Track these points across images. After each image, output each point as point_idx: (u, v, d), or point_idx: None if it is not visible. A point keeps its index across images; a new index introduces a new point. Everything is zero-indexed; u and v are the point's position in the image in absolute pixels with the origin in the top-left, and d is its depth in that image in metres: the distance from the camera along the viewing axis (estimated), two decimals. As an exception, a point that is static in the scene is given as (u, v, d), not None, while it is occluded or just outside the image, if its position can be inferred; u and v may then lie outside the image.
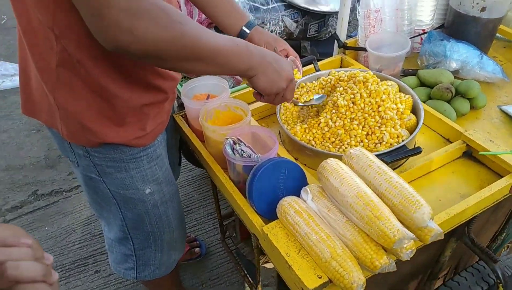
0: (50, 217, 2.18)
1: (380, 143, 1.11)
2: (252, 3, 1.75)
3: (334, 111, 1.16)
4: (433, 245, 1.21)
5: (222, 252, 1.98)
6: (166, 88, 1.06)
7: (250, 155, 1.03)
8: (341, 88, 1.22)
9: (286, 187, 0.99)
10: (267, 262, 1.57)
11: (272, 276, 1.59)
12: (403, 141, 1.11)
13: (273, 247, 0.89)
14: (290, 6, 1.80)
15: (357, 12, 1.51)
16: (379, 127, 1.13)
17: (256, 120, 1.32)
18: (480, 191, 1.00)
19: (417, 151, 1.06)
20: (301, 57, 1.46)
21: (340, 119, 1.14)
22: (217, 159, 1.16)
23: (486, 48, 1.51)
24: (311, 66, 1.43)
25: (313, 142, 1.16)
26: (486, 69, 1.38)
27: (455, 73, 1.42)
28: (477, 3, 1.39)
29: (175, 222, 1.31)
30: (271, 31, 1.77)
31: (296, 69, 1.25)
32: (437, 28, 1.60)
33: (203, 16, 1.57)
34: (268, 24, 1.75)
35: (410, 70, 1.49)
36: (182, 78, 1.65)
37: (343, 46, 1.55)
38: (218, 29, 1.59)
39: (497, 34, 1.56)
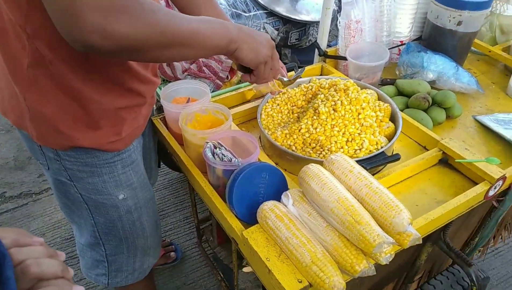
0: (19, 220, 2.10)
1: (360, 149, 1.13)
2: (234, 10, 1.76)
3: (315, 117, 1.17)
4: (410, 249, 1.23)
5: (198, 257, 1.95)
6: (144, 91, 1.04)
7: (231, 159, 1.02)
8: (322, 96, 1.23)
9: (266, 191, 0.99)
10: (244, 266, 1.57)
11: (249, 281, 1.58)
12: (382, 148, 1.12)
13: (253, 251, 0.88)
14: (272, 14, 1.82)
15: (338, 22, 1.54)
16: (359, 134, 1.14)
17: (237, 125, 1.31)
18: (456, 197, 1.03)
19: (395, 157, 1.08)
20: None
21: (321, 125, 1.15)
22: (196, 163, 1.14)
23: (462, 60, 1.56)
24: (292, 72, 1.44)
25: (293, 148, 1.16)
26: (462, 80, 1.43)
27: (432, 83, 1.46)
28: (454, 17, 1.44)
29: (149, 229, 1.27)
30: (253, 37, 1.78)
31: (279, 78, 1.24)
32: (414, 40, 1.64)
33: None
34: (250, 30, 1.76)
35: (388, 80, 1.52)
36: (161, 82, 1.63)
37: (324, 55, 1.57)
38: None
39: (472, 48, 1.61)
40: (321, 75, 1.57)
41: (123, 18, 0.72)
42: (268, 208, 0.90)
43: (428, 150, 1.22)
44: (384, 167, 1.16)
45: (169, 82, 1.51)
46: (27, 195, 2.24)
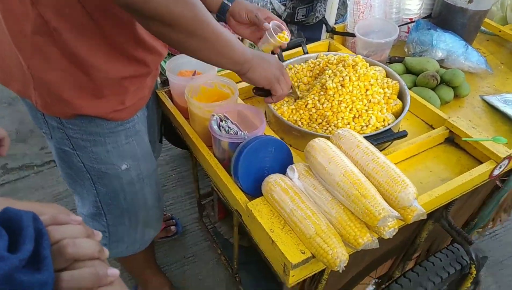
0: (20, 191, 2.11)
1: (367, 126, 1.12)
2: (240, -18, 1.72)
3: (322, 93, 1.16)
4: (411, 227, 1.24)
5: (198, 231, 1.97)
6: (149, 62, 1.02)
7: (237, 132, 1.01)
8: (330, 71, 1.21)
9: (272, 165, 0.99)
10: (244, 241, 1.58)
11: (248, 255, 1.60)
12: (389, 125, 1.12)
13: (257, 223, 0.88)
14: (279, -12, 1.78)
15: (347, -3, 1.51)
16: (366, 110, 1.13)
17: (242, 100, 1.30)
18: (461, 175, 1.03)
19: (402, 134, 1.08)
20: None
21: (328, 101, 1.14)
22: (201, 137, 1.13)
23: (471, 39, 1.54)
24: (300, 48, 1.42)
25: (299, 123, 1.16)
26: (471, 59, 1.41)
27: (441, 62, 1.44)
28: (465, -6, 1.41)
29: (151, 201, 1.28)
30: (259, 11, 1.75)
31: (284, 31, 1.21)
32: (424, 17, 1.61)
33: None
34: (257, 5, 1.72)
35: (397, 58, 1.50)
36: (167, 55, 1.61)
37: (332, 31, 1.55)
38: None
39: (482, 27, 1.59)
40: (328, 51, 1.55)
41: None
42: (274, 180, 0.90)
43: (434, 128, 1.21)
44: (390, 144, 1.15)
45: (174, 55, 1.49)
46: (28, 167, 2.24)
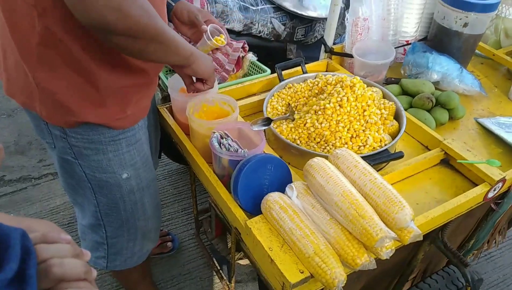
0: (17, 203, 2.10)
1: (364, 146, 1.14)
2: (242, 3, 1.76)
3: (320, 112, 1.18)
4: (407, 248, 1.25)
5: (194, 248, 1.96)
6: (149, 69, 1.06)
7: (237, 149, 1.03)
8: (329, 91, 1.24)
9: (271, 183, 1.00)
10: (241, 259, 1.58)
11: (245, 273, 1.60)
12: (385, 145, 1.14)
13: (256, 241, 0.89)
14: (279, 9, 1.82)
15: (345, 19, 1.55)
16: (363, 130, 1.15)
17: (242, 117, 1.32)
18: (456, 197, 1.04)
19: (399, 155, 1.10)
20: (287, 59, 1.48)
21: (326, 120, 1.16)
22: (202, 153, 1.15)
23: (466, 62, 1.57)
24: (299, 68, 1.45)
25: (298, 142, 1.17)
26: (466, 82, 1.44)
27: (436, 84, 1.47)
28: (460, 19, 1.45)
29: (150, 211, 1.29)
30: (259, 32, 1.78)
31: (222, 35, 1.30)
32: (420, 40, 1.65)
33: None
34: (257, 24, 1.76)
35: (393, 79, 1.53)
36: (167, 71, 1.63)
37: (330, 51, 1.58)
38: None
39: (476, 51, 1.63)
40: (326, 71, 1.58)
41: (137, 1, 0.80)
42: (273, 199, 0.91)
43: (430, 150, 1.23)
44: (386, 164, 1.17)
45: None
46: (26, 180, 2.24)
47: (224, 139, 1.05)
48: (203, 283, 1.83)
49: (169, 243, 1.91)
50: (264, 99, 1.30)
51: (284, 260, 0.84)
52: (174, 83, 1.25)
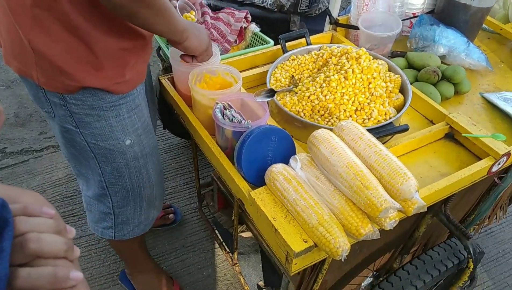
0: (19, 176, 2.11)
1: (369, 119, 1.13)
2: (244, -29, 1.71)
3: (325, 84, 1.16)
4: (410, 220, 1.26)
5: (197, 221, 1.98)
6: (143, 32, 1.04)
7: (241, 121, 1.02)
8: (334, 63, 1.22)
9: (274, 155, 0.99)
10: (243, 231, 1.59)
11: (248, 245, 1.61)
12: (390, 118, 1.13)
13: (260, 211, 0.89)
14: (283, -22, 1.77)
15: (351, -11, 1.51)
16: (368, 103, 1.14)
17: (245, 90, 1.30)
18: (460, 171, 1.04)
19: (404, 128, 1.09)
20: (290, 32, 1.45)
21: (330, 93, 1.15)
22: (204, 125, 1.14)
23: (473, 36, 1.54)
24: (303, 39, 1.43)
25: (302, 114, 1.16)
26: (472, 56, 1.42)
27: (442, 58, 1.45)
28: (469, -9, 1.41)
29: (155, 177, 1.30)
30: (262, 2, 1.74)
31: (192, 11, 1.29)
32: (427, 12, 1.62)
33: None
34: (260, -7, 1.72)
35: (398, 52, 1.51)
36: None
37: (335, 23, 1.55)
38: None
39: (483, 25, 1.59)
40: (331, 43, 1.55)
41: None
42: (277, 170, 0.91)
43: (435, 124, 1.22)
44: (391, 137, 1.16)
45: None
46: (27, 152, 2.23)
47: (227, 110, 1.04)
48: (206, 255, 1.86)
49: (171, 215, 1.93)
50: (267, 71, 1.28)
51: (288, 230, 0.84)
52: (176, 53, 1.23)
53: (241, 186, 0.97)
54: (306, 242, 0.83)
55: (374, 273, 1.51)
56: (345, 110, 1.13)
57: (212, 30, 1.52)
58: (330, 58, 1.26)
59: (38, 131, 2.36)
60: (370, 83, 1.16)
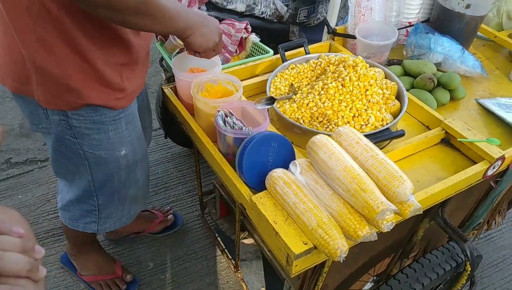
0: (24, 185, 2.14)
1: (366, 125, 1.16)
2: (244, -16, 1.76)
3: (323, 92, 1.20)
4: (407, 225, 1.28)
5: (199, 228, 2.00)
6: (137, 46, 1.07)
7: (242, 127, 1.05)
8: (331, 71, 1.25)
9: (275, 160, 1.02)
10: (245, 238, 1.62)
11: (250, 252, 1.63)
12: (387, 124, 1.16)
13: (261, 215, 0.92)
14: (282, -10, 1.82)
15: (348, 0, 1.55)
16: (365, 110, 1.17)
17: (246, 98, 1.34)
18: (456, 174, 1.07)
19: (400, 133, 1.12)
20: (289, 41, 1.49)
21: (329, 100, 1.18)
22: (206, 132, 1.17)
23: (468, 44, 1.58)
24: (302, 49, 1.46)
25: (301, 121, 1.19)
26: (467, 63, 1.45)
27: (438, 65, 1.48)
28: (462, 0, 1.45)
29: (142, 180, 1.34)
30: (262, 13, 1.79)
31: None
32: (423, 21, 1.66)
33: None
34: (260, 5, 1.77)
35: (395, 60, 1.54)
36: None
37: (333, 32, 1.59)
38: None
39: (478, 33, 1.63)
40: (329, 52, 1.59)
41: None
42: (277, 175, 0.93)
43: (431, 129, 1.25)
44: (389, 143, 1.19)
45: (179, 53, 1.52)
46: (32, 162, 2.26)
47: (228, 118, 1.07)
48: (208, 262, 1.87)
49: (170, 216, 1.95)
50: (267, 79, 1.32)
51: (288, 233, 0.87)
52: (179, 63, 1.26)
53: (243, 191, 0.99)
54: (306, 244, 0.85)
55: (375, 278, 1.52)
56: (343, 117, 1.16)
57: (213, 40, 1.56)
58: (328, 66, 1.29)
59: (42, 141, 2.39)
60: (367, 90, 1.19)
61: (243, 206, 1.02)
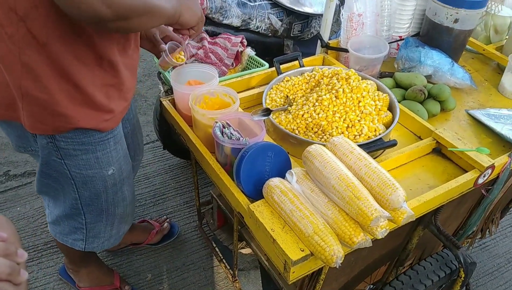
0: (22, 198, 2.15)
1: (359, 135, 1.19)
2: (240, -1, 1.81)
3: (317, 103, 1.23)
4: (402, 233, 1.31)
5: (197, 239, 2.02)
6: (124, 65, 1.07)
7: (239, 138, 1.08)
8: (325, 83, 1.29)
9: (271, 169, 1.05)
10: (243, 248, 1.63)
11: (247, 261, 1.65)
12: (380, 134, 1.19)
13: (259, 223, 0.94)
14: (276, 5, 1.87)
15: (340, 15, 1.60)
16: (359, 120, 1.21)
17: (242, 110, 1.37)
18: (448, 183, 1.10)
19: (392, 143, 1.15)
20: (283, 54, 1.53)
21: (323, 111, 1.22)
22: (204, 143, 1.20)
23: (457, 57, 1.63)
24: (296, 62, 1.51)
25: (296, 131, 1.23)
26: (456, 75, 1.50)
27: (428, 78, 1.53)
28: (451, 15, 1.50)
29: (129, 198, 1.35)
30: (257, 27, 1.83)
31: (181, 52, 1.29)
32: (413, 35, 1.71)
33: None
34: (255, 20, 1.82)
35: (387, 73, 1.59)
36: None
37: (326, 46, 1.63)
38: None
39: (467, 46, 1.68)
40: (323, 65, 1.63)
41: None
42: (274, 184, 0.96)
43: (422, 139, 1.29)
44: (382, 153, 1.22)
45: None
46: (30, 174, 2.28)
47: (226, 128, 1.10)
48: (206, 273, 1.89)
49: (165, 224, 1.96)
50: (263, 92, 1.35)
51: (286, 240, 0.89)
52: (177, 76, 1.30)
53: (240, 200, 1.02)
54: (303, 251, 0.88)
55: (371, 286, 1.54)
56: (337, 127, 1.20)
57: (210, 54, 1.60)
58: (322, 79, 1.34)
59: (40, 154, 2.41)
60: (360, 101, 1.23)
61: (241, 214, 1.04)
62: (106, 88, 1.04)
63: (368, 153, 1.10)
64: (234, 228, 1.34)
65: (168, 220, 2.00)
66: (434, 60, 1.52)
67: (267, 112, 1.19)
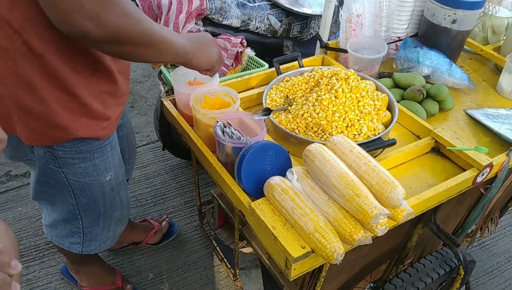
0: (23, 198, 2.16)
1: (359, 134, 1.21)
2: (239, 0, 1.83)
3: (317, 103, 1.25)
4: (402, 231, 1.32)
5: (198, 239, 2.03)
6: (117, 70, 1.07)
7: (240, 137, 1.09)
8: (324, 83, 1.31)
9: (272, 168, 1.06)
10: (244, 247, 1.65)
11: (248, 260, 1.66)
12: (379, 133, 1.21)
13: (260, 221, 0.95)
14: (275, 6, 1.89)
15: (340, 15, 1.62)
16: (358, 120, 1.22)
17: (243, 109, 1.38)
18: (446, 181, 1.11)
19: (391, 142, 1.17)
20: (283, 55, 1.54)
21: (323, 111, 1.23)
22: (205, 142, 1.21)
23: (455, 57, 1.65)
24: (296, 62, 1.52)
25: (296, 131, 1.24)
26: (455, 76, 1.52)
27: (426, 78, 1.54)
28: (449, 16, 1.52)
29: (126, 200, 1.37)
30: (257, 28, 1.85)
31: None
32: (411, 36, 1.73)
33: (193, 6, 1.62)
34: (254, 20, 1.83)
35: (385, 73, 1.60)
36: (171, 65, 1.69)
37: (325, 47, 1.65)
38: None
39: (465, 46, 1.70)
40: (322, 65, 1.64)
41: (117, 9, 0.79)
42: (275, 182, 0.97)
43: (421, 139, 1.30)
44: (381, 152, 1.24)
45: (176, 66, 1.57)
46: (31, 175, 2.29)
47: (227, 128, 1.11)
48: (207, 272, 1.90)
49: (164, 223, 1.97)
50: (263, 92, 1.37)
51: (287, 237, 0.91)
52: (178, 76, 1.31)
53: (242, 198, 1.03)
54: (303, 248, 0.89)
55: (371, 284, 1.55)
56: (336, 127, 1.21)
57: (211, 55, 1.61)
58: (321, 79, 1.35)
59: (40, 155, 2.42)
60: (359, 101, 1.24)
61: (242, 213, 1.05)
62: (102, 95, 1.04)
63: (367, 152, 1.12)
64: (235, 227, 1.35)
65: (167, 219, 2.01)
66: (432, 61, 1.54)
67: (268, 111, 1.20)
